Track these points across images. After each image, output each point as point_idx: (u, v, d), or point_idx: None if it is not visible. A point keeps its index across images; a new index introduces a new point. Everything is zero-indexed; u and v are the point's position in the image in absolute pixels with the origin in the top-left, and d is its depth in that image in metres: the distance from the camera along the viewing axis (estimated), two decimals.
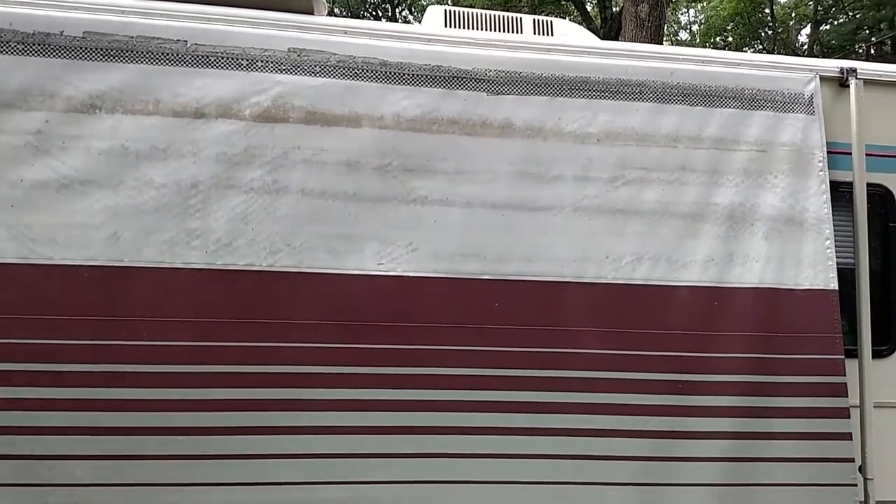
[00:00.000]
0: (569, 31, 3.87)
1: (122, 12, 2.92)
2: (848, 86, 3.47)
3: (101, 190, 2.81)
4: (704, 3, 21.94)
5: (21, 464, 2.73)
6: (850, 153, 3.42)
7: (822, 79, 3.42)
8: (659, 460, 3.07)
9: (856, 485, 3.19)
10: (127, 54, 2.88)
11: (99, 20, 2.88)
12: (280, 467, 2.87)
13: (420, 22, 4.38)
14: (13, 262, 2.75)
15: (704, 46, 19.88)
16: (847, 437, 3.18)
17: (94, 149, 2.82)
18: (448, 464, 2.96)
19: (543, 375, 3.04)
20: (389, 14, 17.90)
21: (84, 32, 2.86)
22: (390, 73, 3.06)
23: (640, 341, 3.10)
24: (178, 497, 2.81)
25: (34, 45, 2.82)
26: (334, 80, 3.02)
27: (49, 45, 2.83)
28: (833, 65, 3.55)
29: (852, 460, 3.19)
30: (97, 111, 2.84)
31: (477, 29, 3.68)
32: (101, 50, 2.87)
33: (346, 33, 3.10)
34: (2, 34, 2.81)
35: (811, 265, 3.24)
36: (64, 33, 2.85)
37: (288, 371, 2.89)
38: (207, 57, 2.94)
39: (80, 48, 2.85)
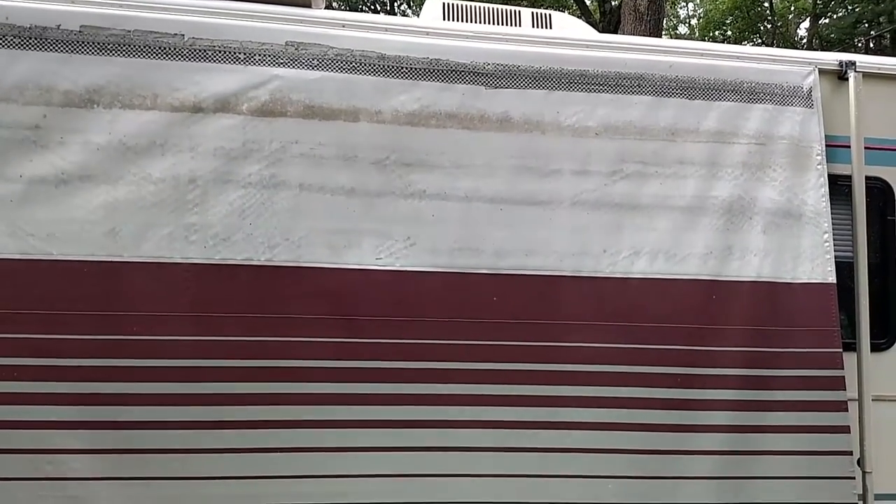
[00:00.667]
0: (568, 25, 3.86)
1: (120, 6, 2.91)
2: (847, 79, 3.46)
3: (100, 185, 2.81)
4: None
5: (21, 458, 2.73)
6: (849, 146, 3.41)
7: (820, 72, 3.41)
8: (658, 453, 3.08)
9: (854, 478, 3.19)
10: (124, 48, 2.87)
11: (96, 14, 2.87)
12: (276, 461, 2.87)
13: (418, 15, 4.37)
14: (12, 258, 2.74)
15: (703, 40, 19.86)
16: (845, 430, 3.19)
17: (92, 144, 2.82)
18: (444, 458, 2.97)
19: (541, 369, 3.04)
20: (388, 7, 17.87)
21: (81, 26, 2.85)
22: (388, 66, 3.05)
23: (639, 335, 3.10)
24: (178, 490, 2.81)
25: (31, 39, 2.81)
26: (332, 73, 3.01)
27: (46, 40, 2.82)
28: (832, 58, 3.53)
29: (851, 453, 3.19)
30: (95, 106, 2.83)
31: (475, 22, 3.66)
32: (99, 44, 2.85)
33: (343, 27, 3.09)
34: None
35: (809, 259, 3.23)
36: (61, 27, 2.84)
37: (286, 365, 2.89)
38: (205, 51, 2.93)
39: (78, 42, 2.84)
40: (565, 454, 3.03)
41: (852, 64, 3.47)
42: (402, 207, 3.01)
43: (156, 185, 2.84)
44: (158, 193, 2.84)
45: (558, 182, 3.12)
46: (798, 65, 3.41)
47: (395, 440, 2.94)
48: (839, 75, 3.49)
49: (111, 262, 2.80)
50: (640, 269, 3.13)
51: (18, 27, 2.81)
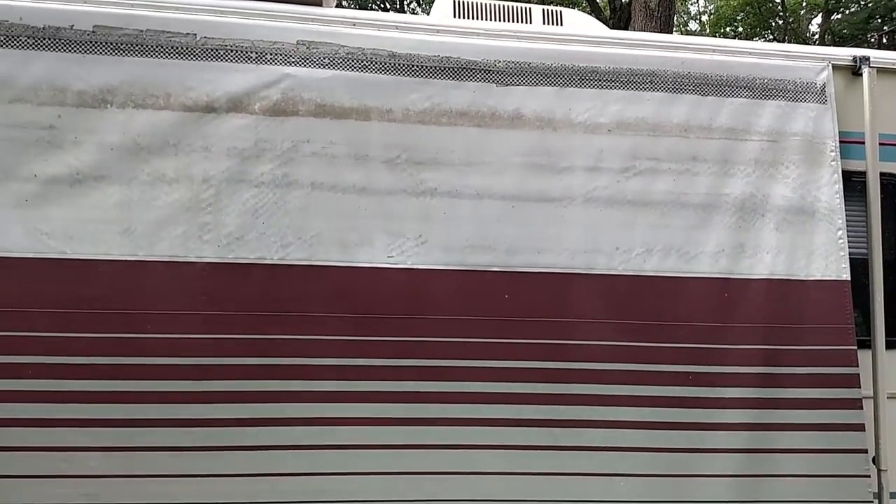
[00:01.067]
0: (578, 21, 3.86)
1: (132, 6, 2.92)
2: (861, 74, 3.43)
3: (114, 185, 2.83)
4: None
5: (36, 456, 2.75)
6: (863, 142, 3.39)
7: (834, 67, 3.38)
8: (670, 451, 3.07)
9: (869, 476, 3.18)
10: (137, 48, 2.88)
11: (109, 14, 2.89)
12: (288, 458, 2.88)
13: (428, 13, 4.37)
14: (28, 257, 2.77)
15: (714, 37, 19.72)
16: (860, 428, 3.17)
17: (106, 143, 2.83)
18: (457, 455, 2.97)
19: (553, 367, 3.04)
20: (397, 6, 17.85)
21: (94, 26, 2.87)
22: (399, 64, 3.06)
23: (651, 333, 3.10)
24: (192, 487, 2.83)
25: (45, 39, 2.83)
26: (343, 72, 3.01)
27: (59, 40, 2.84)
28: (846, 53, 3.51)
29: (866, 451, 3.18)
30: (108, 106, 2.85)
31: (486, 19, 3.67)
32: (112, 44, 2.87)
33: (354, 25, 3.10)
34: (12, 29, 2.82)
35: (823, 256, 3.22)
36: (74, 27, 2.85)
37: (298, 363, 2.90)
38: (217, 50, 2.94)
39: (91, 42, 2.86)
40: (577, 452, 3.03)
41: (866, 59, 3.44)
42: (413, 205, 3.01)
43: (170, 185, 2.86)
44: (172, 193, 2.85)
45: (570, 179, 3.11)
46: (811, 60, 3.39)
47: (407, 438, 2.95)
48: (853, 71, 3.47)
49: (126, 260, 2.82)
50: (653, 266, 3.12)
51: (32, 28, 2.83)
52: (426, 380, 2.96)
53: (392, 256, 2.98)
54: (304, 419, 2.90)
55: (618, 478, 3.05)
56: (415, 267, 2.99)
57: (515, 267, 3.05)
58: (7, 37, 2.81)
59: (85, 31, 2.86)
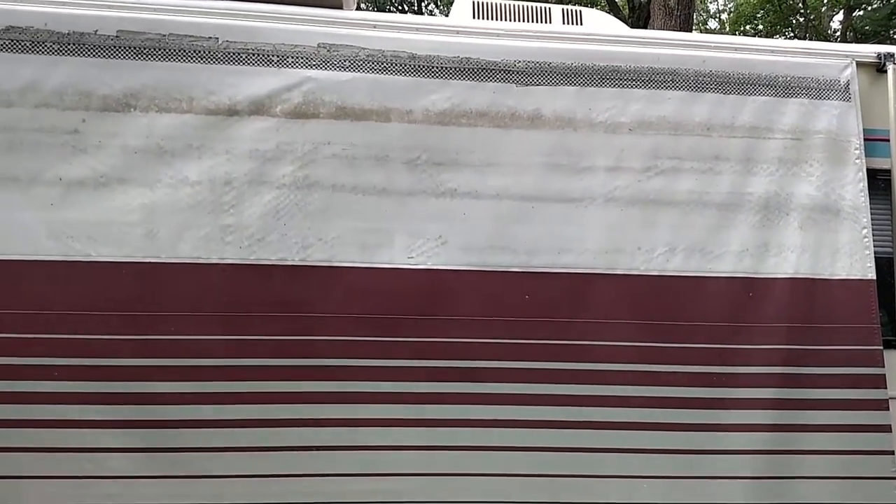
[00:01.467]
0: (598, 20, 3.85)
1: (155, 10, 2.96)
2: (886, 71, 3.39)
3: (138, 188, 2.86)
4: None
5: (62, 457, 2.79)
6: (888, 140, 3.35)
7: (858, 65, 3.35)
8: (694, 453, 3.05)
9: (895, 477, 3.13)
10: (160, 52, 2.91)
11: (132, 18, 2.92)
12: (314, 459, 2.89)
13: (446, 14, 4.37)
14: (54, 260, 2.80)
15: (734, 35, 19.55)
16: (886, 429, 3.13)
17: (129, 147, 2.87)
18: (477, 456, 2.97)
19: (575, 368, 3.02)
20: (415, 7, 17.88)
21: (118, 31, 2.90)
22: (419, 66, 3.06)
23: (674, 333, 3.07)
24: (212, 489, 2.85)
25: (69, 44, 2.87)
26: (364, 74, 3.03)
27: (84, 45, 2.88)
28: (870, 50, 3.47)
29: (892, 453, 3.13)
30: (132, 110, 2.88)
31: (505, 20, 3.66)
32: (135, 48, 2.91)
33: (374, 27, 3.11)
34: (38, 34, 2.86)
35: (848, 254, 3.18)
36: (98, 32, 2.89)
37: (320, 364, 2.91)
38: (239, 54, 2.97)
39: (114, 47, 2.90)
40: (600, 454, 3.01)
41: (891, 56, 3.41)
42: (433, 206, 3.01)
43: (192, 188, 2.88)
44: (195, 195, 2.88)
45: (591, 179, 3.10)
46: (835, 58, 3.36)
47: (428, 439, 2.95)
48: (878, 68, 3.43)
49: (149, 263, 2.84)
50: (676, 266, 3.10)
51: (57, 33, 2.87)
52: (446, 381, 2.96)
53: (412, 257, 2.99)
54: (324, 420, 2.90)
55: (640, 480, 3.03)
56: (435, 267, 2.99)
57: (536, 267, 3.05)
58: (33, 42, 2.85)
59: (109, 36, 2.89)
